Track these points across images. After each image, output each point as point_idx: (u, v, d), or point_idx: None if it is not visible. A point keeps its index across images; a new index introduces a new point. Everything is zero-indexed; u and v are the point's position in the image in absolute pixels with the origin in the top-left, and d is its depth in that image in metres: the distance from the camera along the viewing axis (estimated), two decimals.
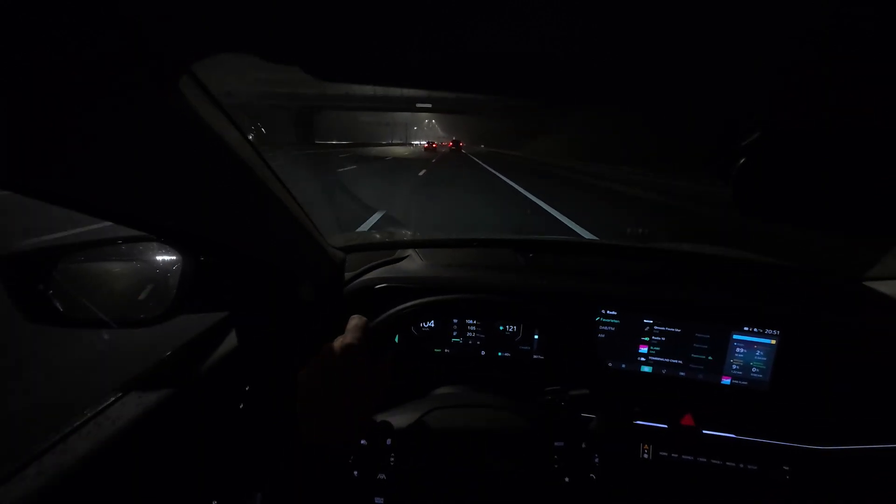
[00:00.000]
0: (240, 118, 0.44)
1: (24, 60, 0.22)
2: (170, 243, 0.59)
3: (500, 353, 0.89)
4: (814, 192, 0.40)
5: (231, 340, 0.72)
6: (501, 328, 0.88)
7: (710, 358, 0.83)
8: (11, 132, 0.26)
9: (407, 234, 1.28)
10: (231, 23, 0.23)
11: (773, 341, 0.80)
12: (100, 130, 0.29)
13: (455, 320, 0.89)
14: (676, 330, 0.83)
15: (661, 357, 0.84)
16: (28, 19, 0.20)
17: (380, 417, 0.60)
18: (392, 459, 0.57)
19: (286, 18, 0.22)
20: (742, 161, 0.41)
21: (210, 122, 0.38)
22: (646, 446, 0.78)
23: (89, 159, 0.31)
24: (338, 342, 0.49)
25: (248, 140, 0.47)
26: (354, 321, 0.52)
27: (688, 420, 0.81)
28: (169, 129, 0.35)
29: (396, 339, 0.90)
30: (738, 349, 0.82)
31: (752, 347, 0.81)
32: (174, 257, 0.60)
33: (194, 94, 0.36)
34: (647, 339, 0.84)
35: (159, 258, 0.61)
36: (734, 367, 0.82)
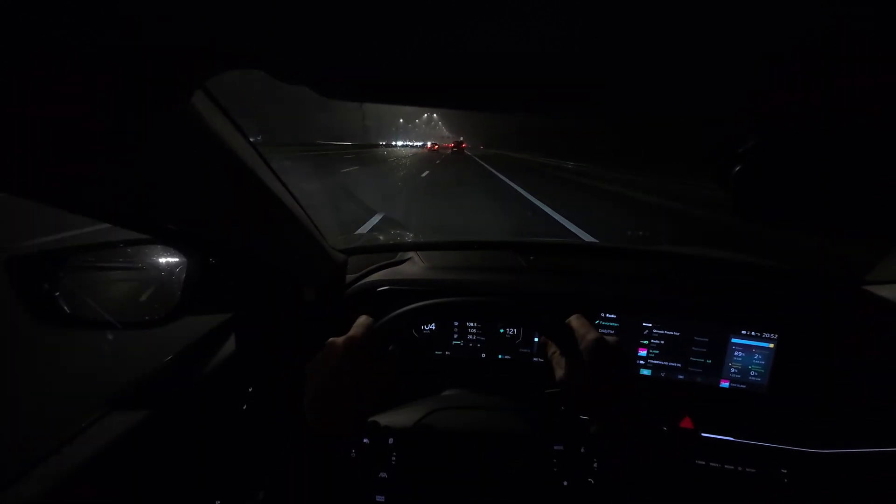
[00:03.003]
0: (246, 124, 0.45)
1: (42, 72, 0.23)
2: (175, 246, 0.59)
3: (500, 356, 0.89)
4: (813, 196, 0.40)
5: (234, 342, 0.73)
6: (502, 331, 0.89)
7: (708, 361, 0.83)
8: (26, 138, 0.26)
9: (408, 236, 1.28)
10: (243, 43, 0.24)
11: (772, 345, 0.81)
12: (114, 140, 0.30)
13: (456, 323, 0.89)
14: (675, 333, 0.84)
15: (659, 360, 0.85)
16: (49, 34, 0.21)
17: (382, 417, 0.61)
18: (393, 459, 0.57)
19: (296, 38, 0.22)
20: (740, 166, 0.41)
21: (219, 131, 0.39)
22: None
23: (102, 166, 0.31)
24: (342, 339, 0.51)
25: (254, 146, 0.48)
26: (361, 320, 0.54)
27: (686, 423, 0.81)
28: (180, 139, 0.35)
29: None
30: (736, 352, 0.82)
31: (751, 351, 0.82)
32: (178, 259, 0.61)
33: (205, 105, 0.37)
34: (646, 342, 0.85)
35: (164, 260, 0.62)
36: (732, 370, 0.83)
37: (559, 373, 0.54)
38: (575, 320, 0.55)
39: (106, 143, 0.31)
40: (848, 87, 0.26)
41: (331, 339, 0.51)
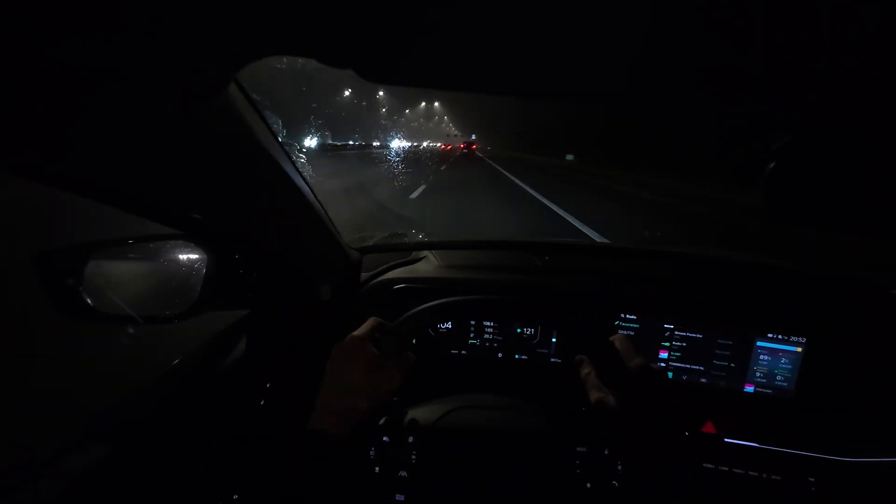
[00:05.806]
0: (271, 120, 0.45)
1: (74, 64, 0.22)
2: (196, 242, 0.60)
3: (517, 356, 0.88)
4: (851, 197, 0.38)
5: (252, 338, 0.73)
6: (519, 331, 0.88)
7: (732, 365, 0.81)
8: (56, 129, 0.26)
9: (423, 235, 1.28)
10: (284, 27, 0.23)
11: (799, 349, 0.78)
12: (144, 132, 0.30)
13: (472, 322, 0.89)
14: (698, 336, 0.82)
15: (681, 363, 0.83)
16: (81, 29, 0.21)
17: (402, 415, 0.61)
18: (414, 457, 0.57)
19: (340, 21, 0.22)
20: (773, 165, 0.40)
21: (248, 125, 0.39)
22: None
23: (132, 158, 0.31)
24: (351, 338, 0.51)
25: (279, 142, 0.48)
26: (369, 321, 0.54)
27: (709, 427, 0.79)
28: (213, 132, 0.35)
29: (414, 341, 0.90)
30: (762, 356, 0.80)
31: (777, 355, 0.79)
32: (199, 256, 0.61)
33: (238, 98, 0.37)
34: (667, 344, 0.83)
35: (185, 257, 0.62)
36: (758, 374, 0.80)
37: (595, 394, 0.51)
38: (619, 342, 0.53)
39: (146, 141, 0.31)
40: (887, 81, 0.25)
41: (349, 335, 0.51)
